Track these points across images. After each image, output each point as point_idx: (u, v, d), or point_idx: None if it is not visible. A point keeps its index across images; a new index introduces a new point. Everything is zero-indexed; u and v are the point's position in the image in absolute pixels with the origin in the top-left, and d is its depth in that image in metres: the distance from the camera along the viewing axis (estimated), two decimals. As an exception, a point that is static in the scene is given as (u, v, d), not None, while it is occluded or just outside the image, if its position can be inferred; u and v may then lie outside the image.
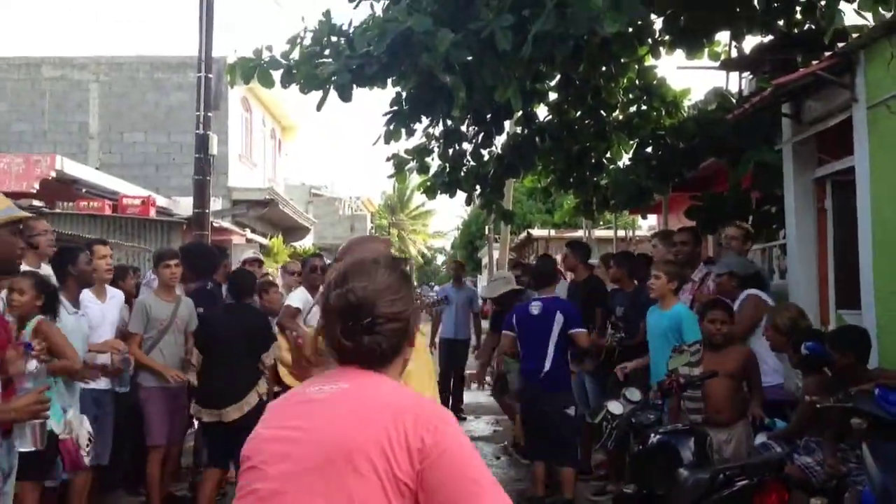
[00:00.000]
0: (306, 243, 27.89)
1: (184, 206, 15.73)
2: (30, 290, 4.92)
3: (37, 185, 13.91)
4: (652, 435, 4.70)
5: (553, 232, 29.87)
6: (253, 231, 20.83)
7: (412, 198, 60.53)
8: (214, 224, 14.50)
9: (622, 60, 9.62)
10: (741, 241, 6.79)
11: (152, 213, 14.69)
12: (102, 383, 5.99)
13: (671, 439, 4.65)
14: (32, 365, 3.48)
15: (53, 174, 14.00)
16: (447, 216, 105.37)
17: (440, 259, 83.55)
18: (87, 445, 5.04)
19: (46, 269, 5.88)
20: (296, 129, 27.62)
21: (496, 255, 29.83)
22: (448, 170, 10.05)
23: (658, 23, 8.76)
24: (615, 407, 4.99)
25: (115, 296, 6.50)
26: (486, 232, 33.11)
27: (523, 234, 32.32)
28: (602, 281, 8.10)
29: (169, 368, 6.25)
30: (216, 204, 18.70)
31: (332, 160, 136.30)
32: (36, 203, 13.48)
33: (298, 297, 6.88)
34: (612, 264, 7.87)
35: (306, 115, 23.21)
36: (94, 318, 6.03)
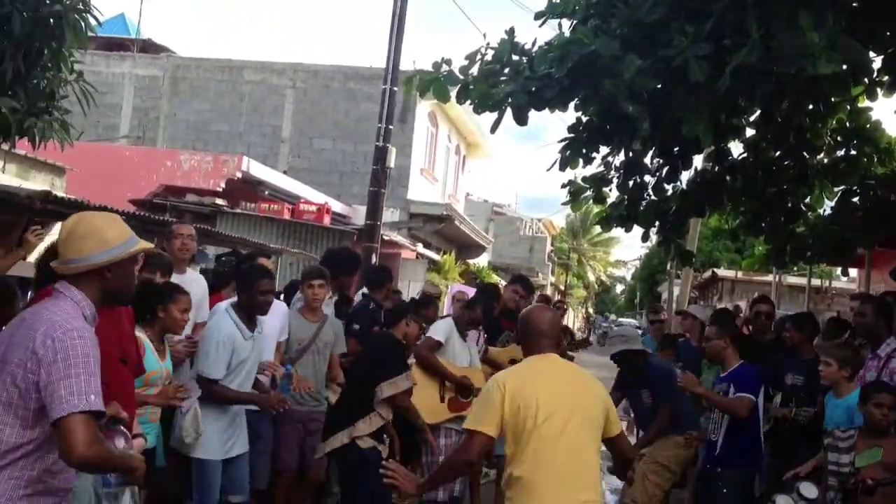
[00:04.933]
0: (481, 261, 27.74)
1: (362, 214, 15.87)
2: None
3: (223, 184, 14.37)
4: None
5: (740, 274, 28.34)
6: (427, 245, 20.82)
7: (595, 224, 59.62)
8: (385, 237, 14.47)
9: (832, 100, 8.71)
10: None
11: (326, 221, 14.85)
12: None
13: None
14: (120, 444, 3.14)
15: (239, 175, 14.44)
16: (631, 245, 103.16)
17: (619, 288, 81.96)
18: None
19: (192, 274, 5.78)
20: (481, 146, 27.54)
21: (676, 291, 28.59)
22: (626, 202, 9.41)
23: (877, 61, 7.87)
24: (786, 503, 4.29)
25: (277, 308, 6.16)
26: (668, 267, 31.85)
27: (708, 273, 30.88)
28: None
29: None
30: (393, 216, 18.83)
31: (516, 179, 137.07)
32: (219, 202, 13.93)
33: (442, 329, 6.48)
34: (789, 326, 7.08)
35: (494, 133, 23.29)
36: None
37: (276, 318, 6.06)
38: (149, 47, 23.71)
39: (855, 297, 8.20)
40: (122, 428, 3.19)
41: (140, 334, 4.74)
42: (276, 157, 20.80)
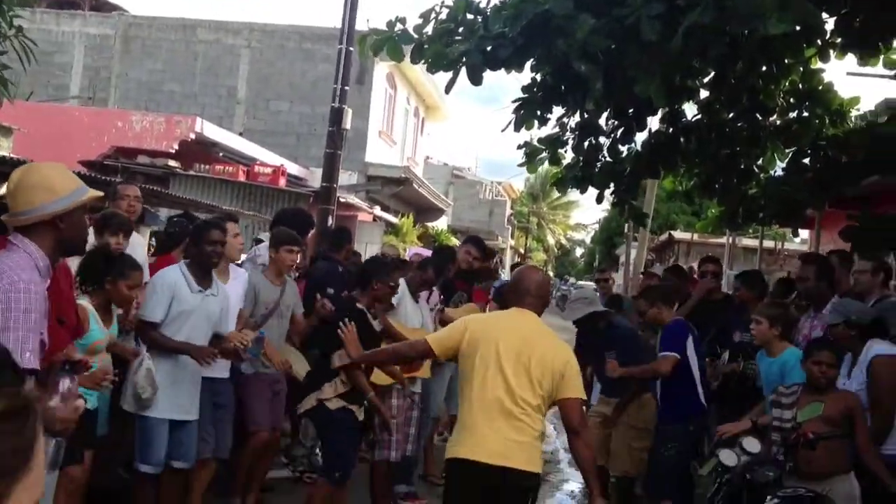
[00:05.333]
0: (440, 224, 27.72)
1: (319, 177, 15.74)
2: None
3: (176, 146, 14.15)
4: (769, 498, 4.06)
5: (696, 236, 28.64)
6: (385, 209, 20.73)
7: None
8: (341, 199, 14.38)
9: (786, 61, 8.74)
10: (870, 275, 6.03)
11: (282, 183, 14.71)
12: (221, 371, 5.66)
13: (789, 507, 4.01)
14: (64, 385, 3.11)
15: (193, 136, 14.22)
16: (590, 208, 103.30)
17: (579, 251, 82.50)
18: None
19: (135, 236, 5.69)
20: (440, 109, 27.39)
21: (634, 254, 28.85)
22: (581, 164, 9.40)
23: (830, 23, 7.89)
24: (728, 458, 4.36)
25: (239, 276, 6.05)
26: (625, 230, 32.09)
27: (664, 236, 31.16)
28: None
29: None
30: (351, 178, 18.71)
31: (476, 143, 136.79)
32: (171, 163, 13.72)
33: None
34: (738, 285, 7.20)
35: (452, 96, 23.14)
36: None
37: (239, 285, 5.95)
38: (102, 6, 23.15)
39: (801, 257, 8.31)
40: (70, 373, 3.17)
41: (84, 303, 4.64)
42: (231, 119, 20.51)
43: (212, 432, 5.56)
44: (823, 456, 4.49)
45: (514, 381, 4.02)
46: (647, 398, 6.60)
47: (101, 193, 3.25)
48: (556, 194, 61.11)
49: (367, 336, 5.51)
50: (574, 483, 8.47)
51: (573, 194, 58.18)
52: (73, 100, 20.25)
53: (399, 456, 6.40)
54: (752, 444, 4.43)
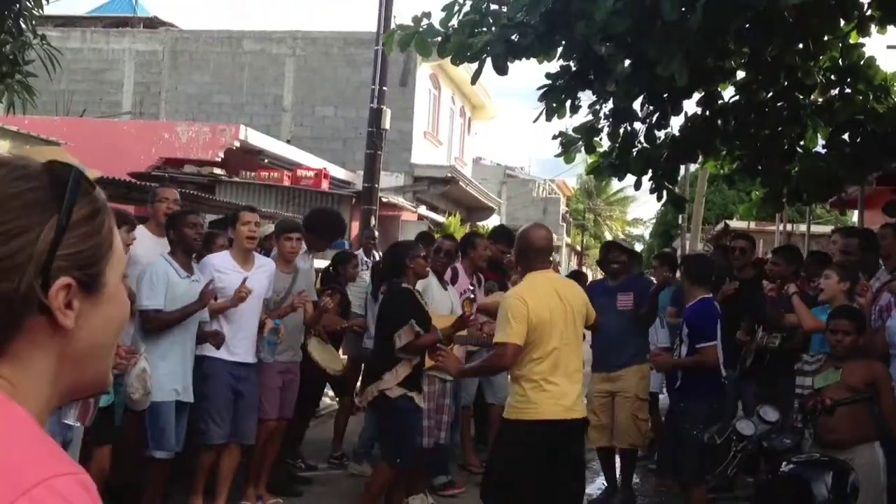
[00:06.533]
0: (492, 223, 27.69)
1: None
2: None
3: (221, 154, 14.39)
4: (784, 464, 3.99)
5: (753, 224, 28.12)
6: (434, 209, 20.76)
7: (610, 182, 58.98)
8: (383, 199, 14.46)
9: (825, 38, 8.54)
10: None
11: (324, 186, 14.84)
12: (246, 356, 5.77)
13: (804, 472, 3.93)
14: None
15: (237, 144, 14.44)
16: (648, 203, 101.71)
17: (638, 247, 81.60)
18: None
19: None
20: (486, 107, 27.36)
21: (688, 244, 28.45)
22: (617, 151, 9.30)
23: (866, -5, 7.70)
24: (745, 427, 4.28)
25: (264, 265, 6.06)
26: (679, 221, 31.65)
27: (720, 225, 30.65)
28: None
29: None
30: (398, 180, 18.80)
31: (529, 142, 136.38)
32: (217, 171, 13.95)
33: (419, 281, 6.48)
34: (774, 259, 7.07)
35: (501, 95, 23.03)
36: (232, 286, 5.69)
37: (263, 273, 6.00)
38: (156, 24, 23.66)
39: (835, 230, 8.10)
40: None
41: None
42: (278, 127, 20.76)
43: (226, 417, 5.66)
44: (844, 424, 4.37)
45: (572, 332, 4.70)
46: (644, 369, 6.62)
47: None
48: (611, 190, 60.51)
49: (419, 313, 5.71)
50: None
51: (630, 190, 57.55)
52: (125, 115, 20.69)
53: (431, 443, 6.39)
54: (770, 413, 4.34)
